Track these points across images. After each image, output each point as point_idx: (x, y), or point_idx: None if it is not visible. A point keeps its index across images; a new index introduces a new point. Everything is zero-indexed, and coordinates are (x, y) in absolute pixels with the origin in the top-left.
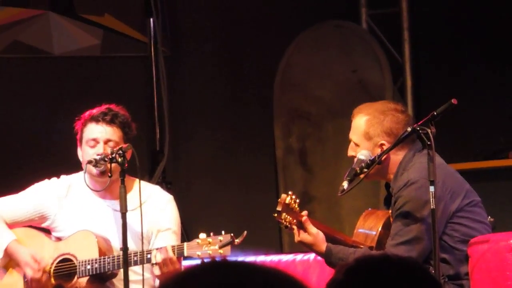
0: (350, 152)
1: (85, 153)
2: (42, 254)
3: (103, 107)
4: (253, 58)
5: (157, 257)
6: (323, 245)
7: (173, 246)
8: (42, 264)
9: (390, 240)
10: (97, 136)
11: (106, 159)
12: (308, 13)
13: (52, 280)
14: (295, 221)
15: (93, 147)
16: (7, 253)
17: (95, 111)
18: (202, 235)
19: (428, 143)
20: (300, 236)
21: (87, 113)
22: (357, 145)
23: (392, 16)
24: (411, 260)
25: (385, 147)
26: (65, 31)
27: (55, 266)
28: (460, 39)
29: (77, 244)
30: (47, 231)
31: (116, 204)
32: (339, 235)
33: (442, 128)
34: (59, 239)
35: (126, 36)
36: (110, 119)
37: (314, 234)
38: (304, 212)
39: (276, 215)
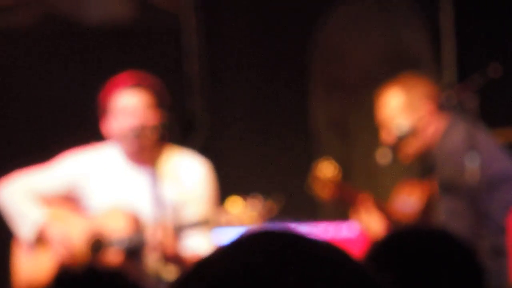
0: (385, 138)
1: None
2: (71, 234)
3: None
4: (289, 27)
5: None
6: (381, 233)
7: (205, 219)
8: (75, 243)
9: (440, 214)
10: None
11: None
12: None
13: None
14: (342, 195)
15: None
16: (39, 234)
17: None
18: (237, 201)
19: (468, 112)
20: (357, 217)
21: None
22: (390, 124)
23: None
24: (442, 232)
25: (421, 119)
26: (97, 1)
27: (88, 246)
28: (503, 4)
29: (107, 222)
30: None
31: (151, 170)
32: (390, 214)
33: (484, 93)
34: (88, 217)
35: (159, 7)
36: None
37: (375, 224)
38: (366, 196)
39: (312, 185)
